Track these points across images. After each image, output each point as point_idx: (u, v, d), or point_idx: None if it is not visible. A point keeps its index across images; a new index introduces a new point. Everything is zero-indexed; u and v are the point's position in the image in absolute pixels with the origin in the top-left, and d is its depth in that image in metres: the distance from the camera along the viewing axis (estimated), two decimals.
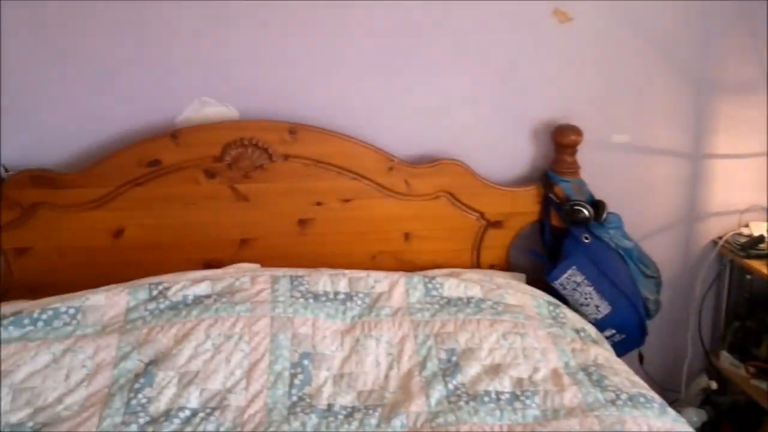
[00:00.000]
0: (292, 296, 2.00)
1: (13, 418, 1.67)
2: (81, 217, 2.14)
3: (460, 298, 2.06)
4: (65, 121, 2.18)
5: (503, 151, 2.34)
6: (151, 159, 2.13)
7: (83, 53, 2.13)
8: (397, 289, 2.06)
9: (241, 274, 2.07)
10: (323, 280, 2.06)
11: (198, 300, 1.98)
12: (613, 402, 1.72)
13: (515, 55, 2.25)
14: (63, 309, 1.93)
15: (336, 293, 2.03)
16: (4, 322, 1.89)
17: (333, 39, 2.19)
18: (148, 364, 1.81)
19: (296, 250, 2.23)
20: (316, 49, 2.19)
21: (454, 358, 1.87)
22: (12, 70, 2.12)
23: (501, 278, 2.18)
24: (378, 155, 2.22)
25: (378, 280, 2.09)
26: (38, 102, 2.16)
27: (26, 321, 1.90)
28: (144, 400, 1.72)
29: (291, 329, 1.92)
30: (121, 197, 2.14)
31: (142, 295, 1.99)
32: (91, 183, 2.13)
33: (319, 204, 2.22)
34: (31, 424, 1.66)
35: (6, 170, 2.14)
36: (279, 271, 2.10)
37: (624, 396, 1.74)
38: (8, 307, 1.98)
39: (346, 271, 2.10)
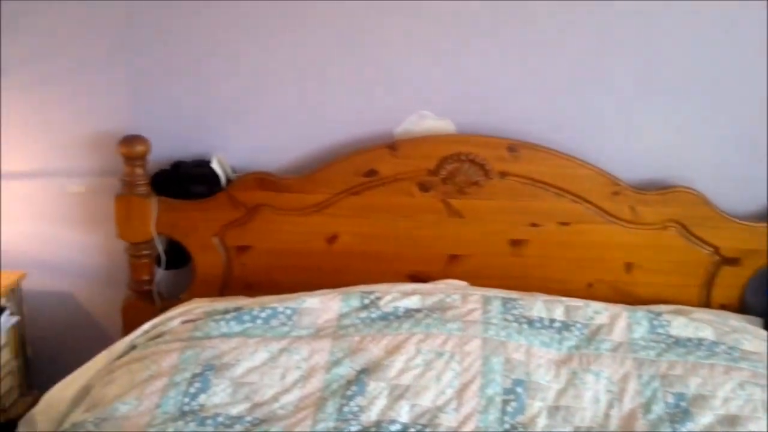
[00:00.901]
0: (504, 319, 1.95)
1: (233, 411, 1.74)
2: (299, 221, 2.21)
3: (689, 339, 1.91)
4: (290, 127, 2.27)
5: (739, 181, 2.15)
6: (368, 169, 2.17)
7: (309, 63, 2.20)
8: (618, 322, 1.95)
9: (451, 291, 2.05)
10: (538, 306, 1.99)
11: (409, 313, 1.98)
12: None
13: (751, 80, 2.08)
14: (280, 309, 2.00)
15: (552, 321, 1.96)
16: (227, 316, 1.99)
17: (554, 54, 2.12)
18: (359, 373, 1.82)
19: (507, 271, 2.18)
20: (536, 64, 2.13)
21: (683, 404, 1.73)
22: (245, 79, 2.24)
23: (735, 321, 2.00)
24: (602, 178, 2.12)
25: (598, 312, 1.98)
26: (266, 109, 2.26)
27: (246, 318, 1.98)
28: (356, 408, 1.74)
29: (504, 353, 1.86)
30: (338, 204, 2.20)
31: (355, 302, 2.02)
32: (310, 188, 2.20)
33: (534, 225, 2.16)
34: (249, 418, 1.72)
35: (234, 172, 2.28)
36: (490, 292, 2.06)
37: None
38: (229, 303, 2.08)
39: (563, 299, 2.02)
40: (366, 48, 2.18)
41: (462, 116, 2.20)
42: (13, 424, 2.17)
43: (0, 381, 2.27)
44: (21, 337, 2.36)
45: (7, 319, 2.25)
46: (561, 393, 1.79)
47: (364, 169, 2.17)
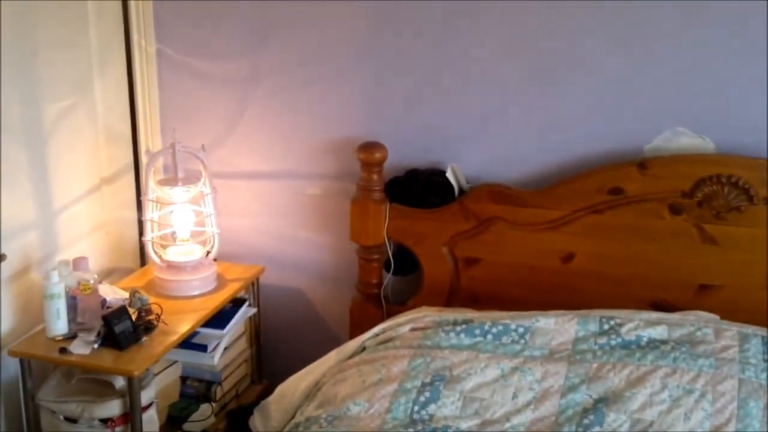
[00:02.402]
0: (765, 360, 1.78)
1: (463, 425, 1.74)
2: (533, 237, 2.18)
3: None
4: (526, 140, 2.25)
5: None
6: (613, 186, 2.09)
7: (551, 73, 2.17)
8: None
9: (702, 324, 1.92)
10: None
11: (653, 344, 1.88)
12: None
13: None
14: (513, 326, 1.98)
15: None
16: (457, 328, 2.00)
17: None
18: (597, 401, 1.75)
19: (766, 306, 1.99)
20: None
21: None
22: (483, 89, 2.24)
23: None
24: None
25: None
26: (503, 119, 2.26)
27: (477, 331, 1.98)
28: None
29: (764, 398, 1.70)
30: (577, 222, 2.14)
31: (592, 327, 1.95)
32: (547, 204, 2.15)
33: None
34: None
35: (468, 182, 2.29)
36: (748, 329, 1.90)
37: None
38: (459, 314, 2.09)
39: None
40: (614, 57, 2.11)
41: (721, 134, 2.06)
42: (244, 410, 2.34)
43: (236, 368, 2.46)
44: (256, 328, 2.54)
45: (246, 310, 2.43)
46: None
47: (608, 186, 2.09)
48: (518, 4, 2.14)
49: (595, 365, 1.84)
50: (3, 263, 2.06)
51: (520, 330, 1.96)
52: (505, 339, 1.95)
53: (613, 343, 1.89)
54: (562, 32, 2.13)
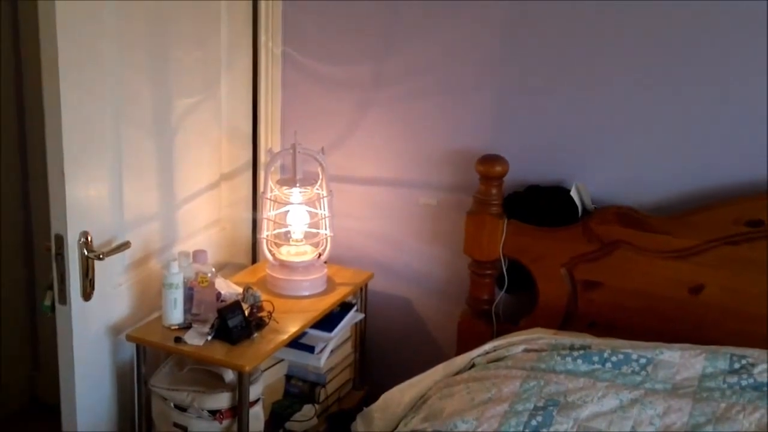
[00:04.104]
0: None
1: None
2: (660, 264, 2.12)
3: None
4: (661, 163, 2.20)
5: None
6: (751, 218, 2.01)
7: (692, 95, 2.11)
8: None
9: None
10: None
11: None
12: None
13: None
14: (634, 356, 1.93)
15: None
16: (574, 353, 1.96)
17: None
18: None
19: None
20: None
21: None
22: (613, 107, 2.21)
23: None
24: None
25: None
26: (634, 140, 2.21)
27: (595, 358, 1.94)
28: None
29: None
30: (709, 253, 2.06)
31: (722, 364, 1.88)
32: (679, 231, 2.09)
33: None
34: None
35: (592, 203, 2.24)
36: None
37: None
38: (576, 338, 2.05)
39: None
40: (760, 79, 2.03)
41: None
42: (345, 414, 2.37)
43: (340, 372, 2.49)
44: (362, 334, 2.57)
45: (354, 315, 2.46)
46: None
47: (747, 217, 2.02)
48: (659, 13, 2.09)
49: (723, 405, 1.76)
50: (126, 251, 2.16)
51: (642, 361, 1.91)
52: (625, 369, 1.90)
53: (743, 383, 1.82)
54: (707, 50, 2.07)
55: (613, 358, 1.92)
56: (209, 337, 2.07)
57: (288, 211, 2.40)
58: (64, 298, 1.97)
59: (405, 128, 2.49)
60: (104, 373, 2.15)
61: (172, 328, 2.11)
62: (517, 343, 2.06)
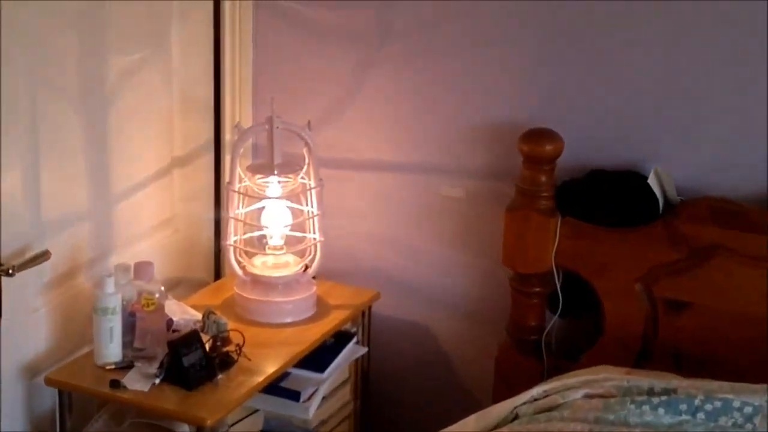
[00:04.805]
0: None
1: None
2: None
3: None
4: (761, 142, 2.18)
5: None
6: None
7: None
8: None
9: None
10: None
11: None
12: None
13: None
14: (736, 404, 1.91)
15: None
16: (654, 400, 1.94)
17: None
18: None
19: None
20: None
21: None
22: (688, 66, 2.21)
23: None
24: None
25: None
26: (725, 110, 2.21)
27: (683, 406, 1.93)
28: None
29: None
30: None
31: None
32: None
33: None
34: None
35: (678, 194, 2.23)
36: None
37: None
38: (656, 380, 2.03)
39: None
40: None
41: None
42: None
43: (336, 425, 2.48)
44: (365, 374, 2.58)
45: (354, 349, 2.47)
46: None
47: None
48: None
49: None
50: (45, 263, 2.13)
51: (747, 410, 1.89)
52: (723, 420, 1.90)
53: None
54: None
55: (708, 407, 1.91)
56: (157, 380, 2.05)
57: (263, 207, 2.40)
58: None
59: (421, 95, 2.49)
60: (15, 428, 2.12)
61: (108, 367, 2.10)
62: (575, 386, 2.04)
